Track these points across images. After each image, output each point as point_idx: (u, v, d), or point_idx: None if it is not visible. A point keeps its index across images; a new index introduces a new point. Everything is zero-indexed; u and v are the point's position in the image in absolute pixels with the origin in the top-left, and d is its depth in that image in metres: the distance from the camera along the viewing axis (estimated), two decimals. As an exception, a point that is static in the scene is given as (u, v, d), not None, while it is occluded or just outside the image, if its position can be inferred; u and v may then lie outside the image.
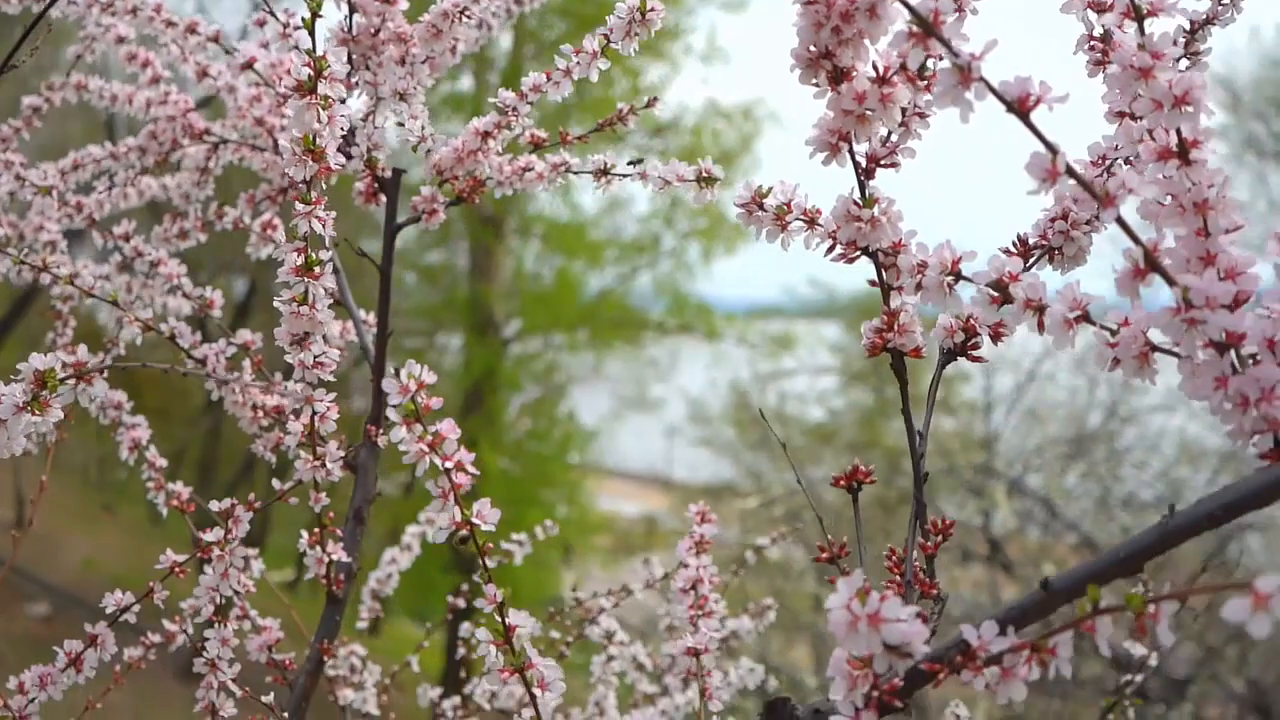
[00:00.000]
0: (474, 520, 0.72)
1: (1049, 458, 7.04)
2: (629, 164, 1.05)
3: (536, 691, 0.74)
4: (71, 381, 0.74)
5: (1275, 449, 0.58)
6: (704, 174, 0.96)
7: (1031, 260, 0.80)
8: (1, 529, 1.63)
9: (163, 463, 1.20)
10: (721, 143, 10.44)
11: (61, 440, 1.37)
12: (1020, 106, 0.58)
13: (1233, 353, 0.61)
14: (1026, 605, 0.60)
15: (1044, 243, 0.79)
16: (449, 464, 0.71)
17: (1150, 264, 0.59)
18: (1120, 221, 0.59)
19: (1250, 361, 0.60)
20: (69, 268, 1.15)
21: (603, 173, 1.06)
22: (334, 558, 1.09)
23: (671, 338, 11.73)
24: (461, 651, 1.61)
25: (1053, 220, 0.79)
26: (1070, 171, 0.58)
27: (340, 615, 1.13)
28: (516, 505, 9.42)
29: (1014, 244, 0.80)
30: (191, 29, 1.18)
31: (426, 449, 0.71)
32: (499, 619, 0.74)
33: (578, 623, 1.46)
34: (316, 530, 1.08)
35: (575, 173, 1.09)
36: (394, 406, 0.70)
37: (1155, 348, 0.63)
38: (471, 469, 0.72)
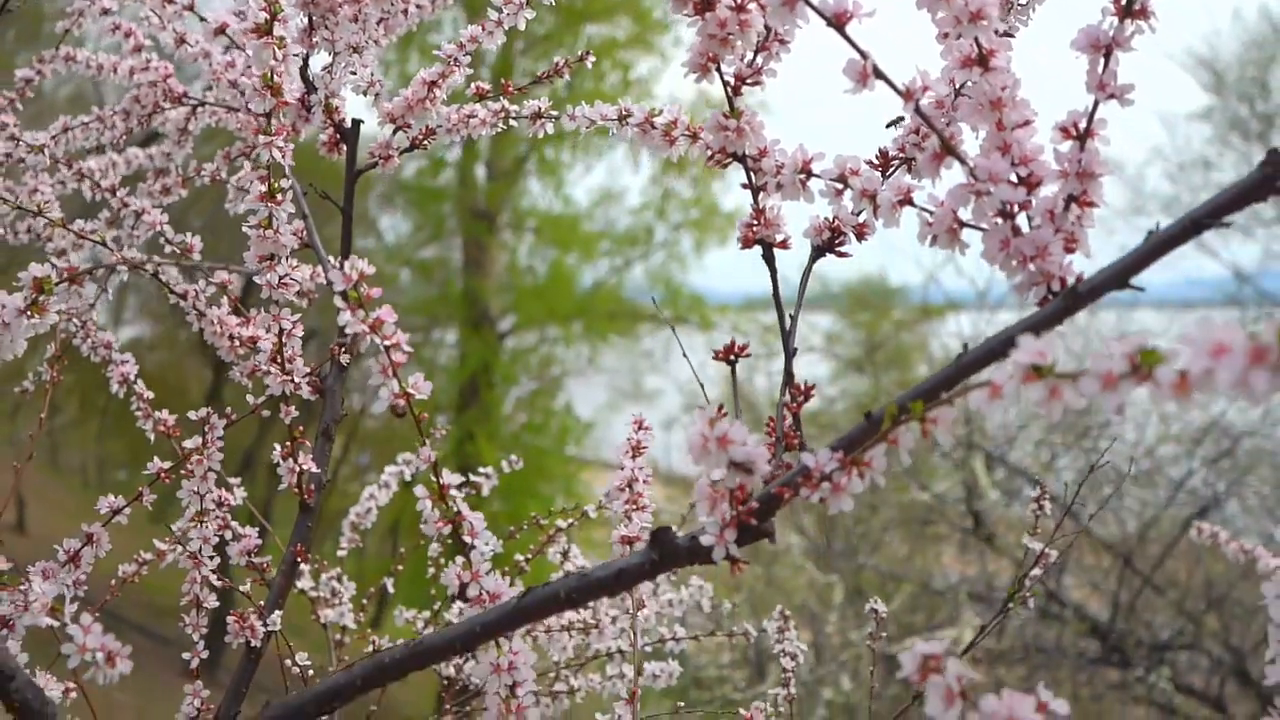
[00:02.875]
0: (410, 390, 0.85)
1: (1033, 431, 7.17)
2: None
3: (468, 539, 0.87)
4: (65, 285, 0.87)
5: (1047, 297, 0.71)
6: (623, 113, 1.08)
7: (891, 169, 0.92)
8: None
9: (150, 395, 1.33)
10: (711, 132, 10.51)
11: (57, 384, 1.49)
12: (838, 21, 0.71)
13: (1024, 221, 0.74)
14: (854, 434, 0.73)
15: (901, 154, 0.92)
16: (388, 343, 0.83)
17: (946, 149, 0.72)
18: (920, 114, 0.72)
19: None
20: (59, 214, 1.27)
21: (537, 115, 1.19)
22: (305, 469, 1.22)
23: (665, 329, 11.84)
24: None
25: (909, 134, 0.91)
26: (877, 73, 0.71)
27: (311, 522, 1.26)
28: (514, 498, 9.52)
29: (876, 155, 0.92)
30: (168, -1, 1.31)
31: (368, 329, 0.83)
32: (434, 478, 0.87)
33: (539, 543, 1.59)
34: (288, 443, 1.21)
35: (514, 118, 1.22)
36: (339, 293, 0.82)
37: (963, 223, 0.76)
38: (407, 348, 0.84)
